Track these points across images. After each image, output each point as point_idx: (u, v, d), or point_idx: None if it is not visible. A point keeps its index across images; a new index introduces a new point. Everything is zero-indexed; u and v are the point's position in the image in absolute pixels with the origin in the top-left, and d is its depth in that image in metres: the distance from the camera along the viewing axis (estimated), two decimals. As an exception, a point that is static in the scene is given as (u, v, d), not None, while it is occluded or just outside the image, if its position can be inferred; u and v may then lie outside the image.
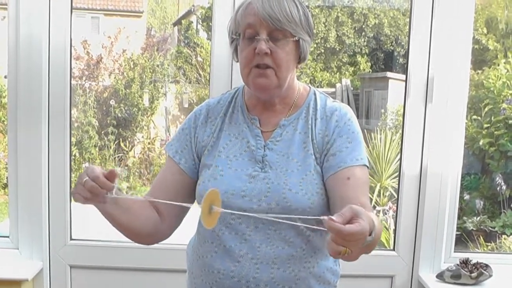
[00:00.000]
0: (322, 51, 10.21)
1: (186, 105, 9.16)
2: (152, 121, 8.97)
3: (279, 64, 1.62)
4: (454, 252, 2.82)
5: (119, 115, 8.54)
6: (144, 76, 8.75)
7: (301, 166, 1.66)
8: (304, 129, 1.71)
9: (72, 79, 2.75)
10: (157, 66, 8.98)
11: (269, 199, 1.62)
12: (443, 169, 2.68)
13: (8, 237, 2.76)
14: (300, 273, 1.67)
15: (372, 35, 10.28)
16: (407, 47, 2.76)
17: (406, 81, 2.73)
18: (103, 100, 8.66)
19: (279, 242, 1.65)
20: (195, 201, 1.77)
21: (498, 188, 6.30)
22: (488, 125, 6.47)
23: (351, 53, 10.47)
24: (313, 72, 10.02)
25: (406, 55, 2.78)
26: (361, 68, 10.37)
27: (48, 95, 2.65)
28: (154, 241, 1.78)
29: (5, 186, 7.28)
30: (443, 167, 2.68)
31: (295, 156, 1.67)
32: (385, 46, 10.33)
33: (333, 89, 9.43)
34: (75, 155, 7.70)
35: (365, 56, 10.41)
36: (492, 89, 6.52)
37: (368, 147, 6.61)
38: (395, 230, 2.85)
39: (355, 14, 10.24)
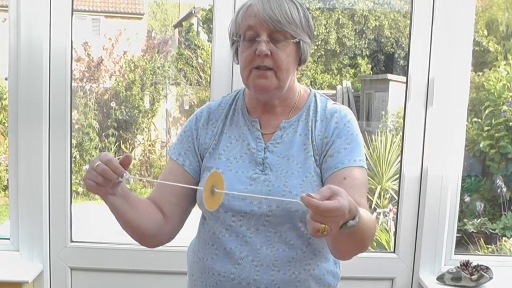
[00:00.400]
0: (323, 53, 10.21)
1: (186, 107, 9.16)
2: (153, 123, 8.97)
3: (279, 66, 1.63)
4: (455, 254, 2.82)
5: (120, 117, 8.54)
6: (145, 78, 8.75)
7: (302, 168, 1.66)
8: (304, 131, 1.71)
9: (73, 81, 2.75)
10: (158, 68, 8.98)
11: (270, 201, 1.62)
12: (444, 171, 2.68)
13: (8, 239, 2.76)
14: (300, 275, 1.67)
15: (372, 37, 10.27)
16: (407, 49, 2.76)
17: (406, 83, 2.73)
18: (104, 102, 8.66)
19: (279, 244, 1.65)
20: (196, 204, 1.78)
21: (498, 190, 6.29)
22: (489, 127, 6.47)
23: (352, 55, 10.47)
24: (313, 74, 10.02)
25: (406, 57, 2.79)
26: (362, 70, 10.37)
27: (48, 97, 2.65)
28: (157, 242, 1.76)
29: (6, 188, 7.29)
30: (443, 169, 2.68)
31: (295, 158, 1.67)
32: (386, 48, 10.33)
33: (333, 91, 9.43)
34: (75, 157, 7.70)
35: (366, 58, 10.41)
36: (492, 91, 6.52)
37: (368, 149, 6.61)
38: (395, 232, 2.85)
39: (356, 16, 10.24)
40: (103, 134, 8.34)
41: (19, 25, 2.59)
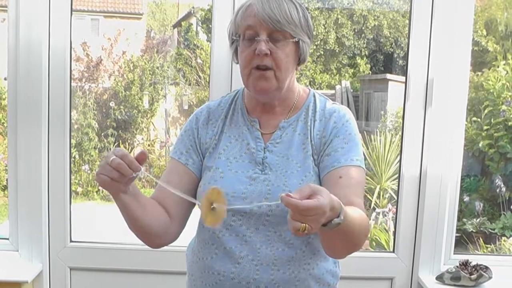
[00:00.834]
0: (322, 53, 10.21)
1: (186, 107, 9.16)
2: (152, 123, 8.97)
3: (278, 65, 1.63)
4: (454, 254, 2.82)
5: (119, 117, 8.55)
6: (144, 78, 8.75)
7: (301, 167, 1.66)
8: (303, 131, 1.71)
9: (72, 81, 2.75)
10: (157, 68, 8.98)
11: (269, 200, 1.62)
12: (443, 171, 2.69)
13: (8, 239, 2.76)
14: (300, 274, 1.67)
15: (371, 37, 10.28)
16: (406, 49, 2.76)
17: (405, 83, 2.73)
18: (103, 102, 8.66)
19: (279, 243, 1.65)
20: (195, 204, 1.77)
21: (497, 190, 6.30)
22: (488, 127, 6.47)
23: (351, 55, 10.47)
24: (312, 74, 10.02)
25: (405, 57, 2.79)
26: (361, 70, 10.37)
27: (48, 97, 2.65)
28: (162, 242, 1.75)
29: (5, 188, 7.28)
30: (442, 169, 2.68)
31: (295, 157, 1.68)
32: (385, 48, 10.34)
33: (332, 91, 9.43)
34: (74, 157, 7.71)
35: (365, 58, 10.41)
36: (491, 91, 6.52)
37: (367, 149, 6.61)
38: (394, 232, 2.85)
39: (355, 16, 10.25)
40: (102, 134, 8.34)
41: (18, 25, 2.59)
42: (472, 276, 2.61)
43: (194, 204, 1.76)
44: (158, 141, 8.92)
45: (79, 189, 7.26)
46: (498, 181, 6.29)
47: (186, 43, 10.41)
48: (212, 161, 1.73)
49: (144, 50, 9.43)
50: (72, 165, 2.81)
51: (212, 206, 1.37)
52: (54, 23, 2.63)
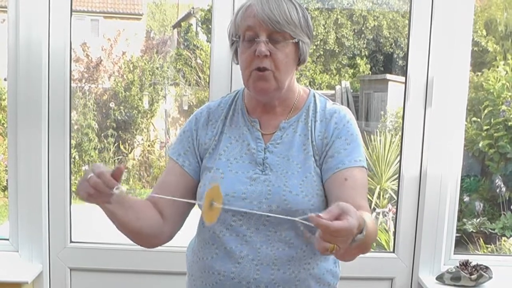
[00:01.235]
0: (322, 53, 10.21)
1: (185, 108, 9.16)
2: (152, 123, 8.97)
3: (278, 66, 1.63)
4: (454, 254, 2.82)
5: (119, 117, 8.54)
6: (144, 79, 8.75)
7: (301, 168, 1.66)
8: (304, 131, 1.71)
9: (72, 81, 2.75)
10: (157, 68, 8.98)
11: (270, 201, 1.62)
12: (443, 171, 2.69)
13: (8, 239, 2.75)
14: (300, 274, 1.67)
15: (371, 37, 10.28)
16: (406, 49, 2.76)
17: (405, 83, 2.73)
18: (103, 103, 8.66)
19: (279, 243, 1.65)
20: (195, 204, 1.78)
21: (497, 190, 6.30)
22: (488, 127, 6.47)
23: (351, 55, 10.47)
24: (312, 74, 10.02)
25: (405, 57, 2.79)
26: (361, 70, 10.37)
27: (48, 97, 2.65)
28: (156, 243, 1.77)
29: (5, 188, 7.28)
30: (442, 169, 2.68)
31: (295, 158, 1.68)
32: (385, 48, 10.34)
33: (332, 91, 9.43)
34: (74, 158, 7.71)
35: (365, 58, 10.41)
36: (491, 91, 6.52)
37: (367, 149, 6.61)
38: (394, 232, 2.85)
39: (355, 16, 10.25)
40: (102, 134, 8.34)
41: (18, 26, 2.59)
42: (472, 276, 2.61)
43: (191, 206, 1.77)
44: (158, 141, 8.92)
45: (80, 190, 7.26)
46: (498, 181, 6.28)
47: (186, 44, 10.41)
48: (212, 161, 1.73)
49: (144, 51, 9.43)
50: (72, 165, 2.81)
51: (211, 203, 1.38)
52: (54, 24, 2.63)
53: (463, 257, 2.74)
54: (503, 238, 5.60)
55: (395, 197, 3.13)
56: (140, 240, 1.74)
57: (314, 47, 9.67)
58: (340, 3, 10.30)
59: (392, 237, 4.80)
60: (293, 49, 1.65)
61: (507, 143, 6.35)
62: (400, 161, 2.80)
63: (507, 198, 6.29)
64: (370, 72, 10.36)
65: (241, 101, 1.80)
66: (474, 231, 5.92)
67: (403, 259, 2.78)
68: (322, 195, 1.65)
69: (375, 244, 5.06)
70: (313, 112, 1.74)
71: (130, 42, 9.09)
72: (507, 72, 6.66)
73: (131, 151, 8.57)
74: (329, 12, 10.04)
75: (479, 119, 6.54)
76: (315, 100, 1.77)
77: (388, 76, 8.98)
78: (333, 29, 10.07)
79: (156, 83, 8.95)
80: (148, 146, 8.74)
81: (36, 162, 2.65)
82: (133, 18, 11.23)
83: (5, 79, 2.85)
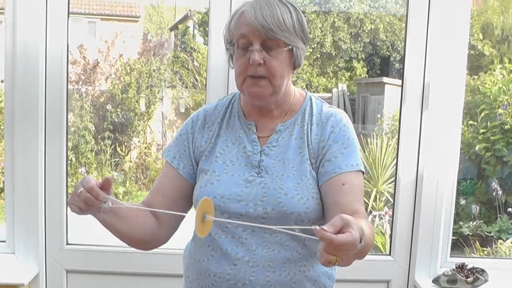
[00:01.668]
0: (318, 56, 10.21)
1: (182, 110, 9.15)
2: (149, 126, 8.96)
3: (273, 74, 1.63)
4: (450, 257, 2.82)
5: (116, 119, 8.53)
6: (141, 81, 8.73)
7: (297, 171, 1.67)
8: (300, 134, 1.71)
9: (69, 83, 2.75)
10: (154, 71, 8.96)
11: (265, 203, 1.63)
12: (439, 174, 2.69)
13: (4, 241, 2.75)
14: (295, 276, 1.67)
15: (368, 40, 10.28)
16: (403, 52, 2.77)
17: (402, 86, 2.74)
18: (100, 105, 8.65)
19: (275, 245, 1.66)
20: (192, 206, 1.78)
21: (494, 193, 6.29)
22: (484, 130, 6.47)
23: (348, 58, 10.47)
24: (309, 77, 10.02)
25: (402, 61, 2.79)
26: (358, 73, 10.37)
27: (44, 99, 2.65)
28: (152, 246, 1.80)
29: (1, 190, 7.26)
30: (439, 172, 2.69)
31: (291, 161, 1.68)
32: (381, 52, 10.33)
33: (329, 94, 9.42)
34: (71, 160, 7.69)
35: (361, 61, 10.41)
36: (488, 94, 6.52)
37: (364, 152, 6.61)
38: (391, 235, 2.85)
39: (351, 19, 10.24)
40: (99, 136, 8.32)
41: (15, 28, 2.59)
42: (469, 279, 2.62)
43: (187, 208, 1.79)
44: (154, 144, 8.90)
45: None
46: (495, 185, 6.28)
47: (183, 46, 10.40)
48: (209, 164, 1.73)
49: (141, 53, 9.41)
50: (68, 167, 2.81)
51: (203, 216, 1.39)
52: (51, 26, 2.63)
53: (460, 260, 2.75)
54: (499, 241, 5.60)
55: (392, 200, 3.14)
56: (136, 245, 1.78)
57: (311, 50, 9.67)
58: (337, 7, 10.30)
59: (388, 240, 4.79)
60: (287, 55, 1.65)
61: (504, 146, 6.35)
62: (396, 164, 2.80)
63: (504, 201, 6.29)
64: (367, 75, 10.35)
65: (238, 104, 1.80)
66: (471, 234, 5.92)
67: (399, 262, 2.78)
68: (318, 198, 1.66)
69: (371, 247, 5.07)
70: (309, 115, 1.74)
71: (127, 45, 9.07)
72: (503, 75, 6.66)
73: (127, 153, 8.56)
74: (326, 15, 10.04)
75: (475, 123, 6.54)
76: (311, 103, 1.77)
77: (385, 79, 8.98)
78: (330, 32, 10.07)
79: (153, 85, 8.94)
80: (145, 148, 8.73)
81: (32, 164, 2.65)
82: (130, 21, 11.21)
83: (2, 81, 2.85)
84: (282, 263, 1.66)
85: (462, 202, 6.44)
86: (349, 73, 10.58)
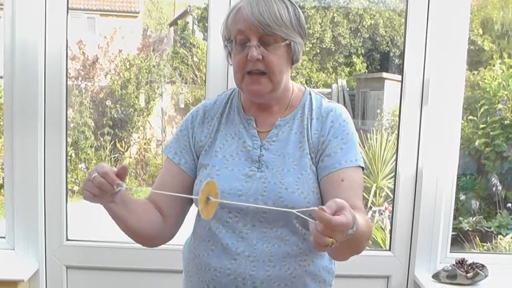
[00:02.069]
0: (318, 51, 10.20)
1: (182, 106, 9.14)
2: (148, 121, 8.95)
3: (271, 69, 1.63)
4: (450, 252, 2.82)
5: (115, 115, 8.52)
6: (140, 77, 8.72)
7: (297, 165, 1.67)
8: (300, 129, 1.71)
9: (68, 79, 2.75)
10: (153, 66, 8.95)
11: (266, 198, 1.63)
12: (439, 170, 2.69)
13: (4, 237, 2.75)
14: (295, 271, 1.68)
15: (368, 35, 10.27)
16: (403, 47, 2.77)
17: (402, 81, 2.74)
18: (99, 101, 8.64)
19: (275, 240, 1.66)
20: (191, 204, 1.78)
21: (493, 189, 6.29)
22: (484, 125, 6.47)
23: (347, 54, 10.46)
24: (309, 72, 10.01)
25: (402, 56, 2.79)
26: (357, 68, 10.36)
27: (44, 95, 2.65)
28: (157, 243, 1.80)
29: (1, 186, 7.26)
30: (438, 167, 2.69)
31: (291, 155, 1.68)
32: (381, 47, 10.32)
33: (329, 90, 9.42)
34: (71, 156, 7.68)
35: (361, 57, 10.40)
36: (488, 89, 6.52)
37: (364, 147, 6.60)
38: (391, 231, 2.85)
39: (351, 14, 10.24)
40: (99, 132, 8.32)
41: (14, 24, 2.59)
42: (468, 275, 2.62)
43: (189, 204, 1.78)
44: (154, 139, 8.90)
45: (76, 188, 7.24)
46: (494, 180, 6.28)
47: (182, 42, 10.39)
48: (208, 159, 1.73)
49: (140, 49, 9.40)
50: (68, 163, 2.81)
51: (207, 198, 1.39)
52: (50, 22, 2.62)
53: (459, 255, 2.75)
54: (499, 236, 5.60)
55: (391, 195, 3.14)
56: (142, 240, 1.77)
57: (310, 45, 9.67)
58: (336, 2, 10.29)
59: (388, 235, 4.79)
60: (285, 50, 1.65)
61: (503, 141, 6.35)
62: (396, 159, 2.80)
63: (503, 197, 6.29)
64: (367, 71, 10.35)
65: (237, 99, 1.80)
66: (470, 229, 5.92)
67: (399, 257, 2.78)
68: (318, 192, 1.66)
69: (371, 242, 5.07)
70: (309, 110, 1.74)
71: (127, 40, 9.06)
72: (503, 71, 6.66)
73: (127, 149, 8.56)
74: (326, 10, 10.03)
75: (475, 118, 6.54)
76: (311, 98, 1.77)
77: (385, 74, 8.97)
78: (329, 28, 10.07)
79: (152, 81, 8.93)
80: (145, 144, 8.72)
81: (32, 160, 2.65)
82: (130, 16, 11.19)
83: (1, 77, 2.85)
84: (282, 257, 1.66)
85: (462, 197, 6.44)
86: (348, 69, 10.57)
